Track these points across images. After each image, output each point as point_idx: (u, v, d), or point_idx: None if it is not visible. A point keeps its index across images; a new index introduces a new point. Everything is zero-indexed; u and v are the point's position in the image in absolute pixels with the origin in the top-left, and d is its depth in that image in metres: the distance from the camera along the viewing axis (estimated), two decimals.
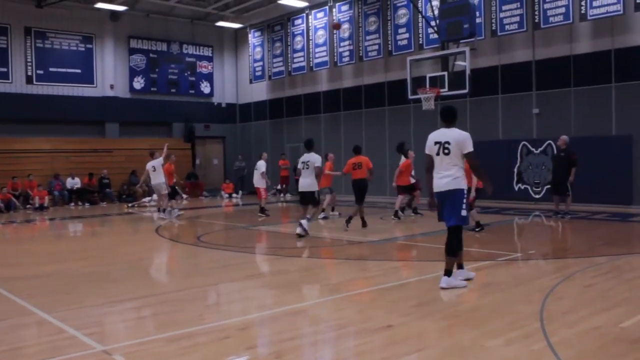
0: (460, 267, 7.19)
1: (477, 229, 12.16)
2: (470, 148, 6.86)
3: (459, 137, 6.88)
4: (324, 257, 9.82)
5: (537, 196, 17.93)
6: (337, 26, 14.57)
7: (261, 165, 16.77)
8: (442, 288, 6.76)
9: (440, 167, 6.95)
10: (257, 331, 5.63)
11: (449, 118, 7.11)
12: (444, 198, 6.92)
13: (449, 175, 6.85)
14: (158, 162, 16.72)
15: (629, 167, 15.92)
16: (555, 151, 15.99)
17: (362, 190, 13.24)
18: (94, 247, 12.10)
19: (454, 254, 6.93)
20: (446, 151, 6.89)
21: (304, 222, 11.70)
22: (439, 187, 6.94)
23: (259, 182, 16.70)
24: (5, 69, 23.04)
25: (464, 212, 6.85)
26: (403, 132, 21.50)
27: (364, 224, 13.06)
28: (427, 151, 7.08)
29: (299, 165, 12.24)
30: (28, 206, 21.40)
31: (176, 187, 18.78)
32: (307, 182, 12.00)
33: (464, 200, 6.86)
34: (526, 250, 9.96)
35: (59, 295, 7.12)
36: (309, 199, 12.03)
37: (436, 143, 6.99)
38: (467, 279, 7.20)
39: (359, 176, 13.26)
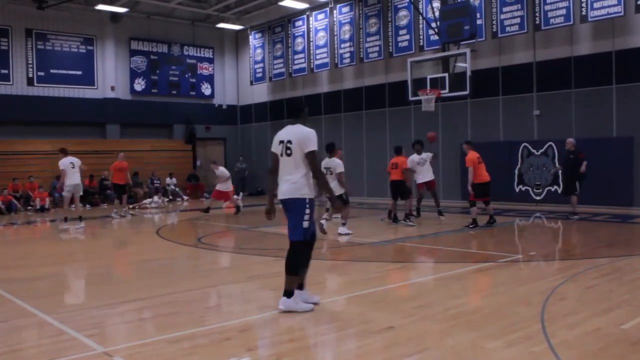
0: (300, 287, 6.18)
1: (470, 225, 13.01)
2: (311, 147, 5.98)
3: (300, 135, 6.04)
4: (325, 259, 9.82)
5: (538, 198, 17.92)
6: (432, 137, 15.04)
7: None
8: (281, 311, 6.00)
9: (283, 170, 6.12)
10: (258, 333, 5.63)
11: (294, 112, 6.34)
12: (286, 207, 6.13)
13: (289, 181, 6.05)
14: (76, 160, 15.11)
15: (630, 168, 15.92)
16: (556, 154, 15.97)
17: (397, 189, 13.93)
18: (95, 249, 12.11)
19: (294, 271, 6.04)
20: (288, 151, 6.06)
21: (341, 229, 12.29)
22: (281, 194, 6.11)
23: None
24: (6, 71, 23.06)
25: (305, 224, 5.98)
26: (404, 134, 21.52)
27: (393, 218, 14.19)
28: (272, 149, 6.25)
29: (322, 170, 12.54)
30: (29, 208, 21.41)
31: (125, 187, 18.86)
32: (333, 186, 12.27)
33: (306, 211, 5.99)
34: (527, 251, 9.96)
35: (60, 296, 7.12)
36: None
37: (280, 142, 6.17)
38: (312, 303, 6.22)
39: (395, 177, 13.91)
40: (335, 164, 12.25)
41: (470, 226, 12.98)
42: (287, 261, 6.06)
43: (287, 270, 6.04)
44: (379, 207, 18.39)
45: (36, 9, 23.16)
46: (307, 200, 6.01)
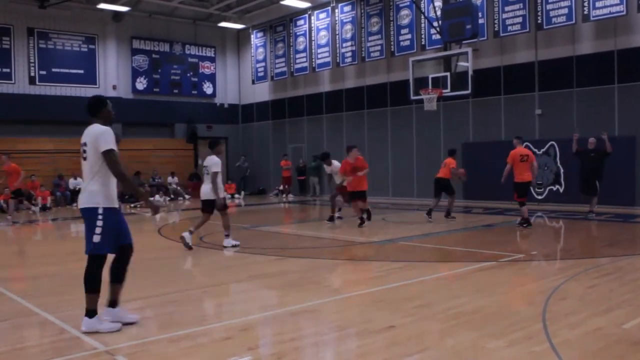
0: (113, 304, 5.62)
1: (524, 224, 12.78)
2: (105, 146, 5.35)
3: (94, 135, 5.43)
4: (326, 258, 9.83)
5: (539, 197, 17.91)
6: (462, 174, 14.95)
7: None
8: (84, 332, 5.38)
9: (84, 177, 5.55)
10: (259, 332, 5.63)
11: (90, 110, 5.72)
12: (83, 217, 5.50)
13: (85, 188, 5.44)
14: None
15: (632, 168, 15.92)
16: (558, 153, 15.91)
17: (439, 186, 14.54)
18: None
19: (91, 288, 5.43)
20: (84, 155, 5.47)
21: (226, 242, 10.84)
22: (79, 203, 5.50)
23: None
24: (8, 70, 23.10)
25: (96, 238, 5.36)
26: (405, 133, 21.52)
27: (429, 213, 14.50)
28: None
29: (203, 169, 11.04)
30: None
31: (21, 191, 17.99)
32: (205, 189, 10.77)
33: (98, 223, 5.34)
34: (528, 251, 9.95)
35: (62, 295, 7.12)
36: (209, 207, 10.84)
37: (82, 145, 5.57)
38: (125, 323, 5.57)
39: (439, 175, 14.62)
40: (211, 162, 10.61)
41: (524, 225, 12.76)
42: (84, 277, 5.50)
43: (85, 288, 5.45)
44: (380, 207, 18.40)
45: (38, 8, 23.20)
46: (101, 211, 5.36)
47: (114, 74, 25.59)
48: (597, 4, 16.26)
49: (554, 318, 5.56)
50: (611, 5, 16.00)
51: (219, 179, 10.65)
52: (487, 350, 4.76)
